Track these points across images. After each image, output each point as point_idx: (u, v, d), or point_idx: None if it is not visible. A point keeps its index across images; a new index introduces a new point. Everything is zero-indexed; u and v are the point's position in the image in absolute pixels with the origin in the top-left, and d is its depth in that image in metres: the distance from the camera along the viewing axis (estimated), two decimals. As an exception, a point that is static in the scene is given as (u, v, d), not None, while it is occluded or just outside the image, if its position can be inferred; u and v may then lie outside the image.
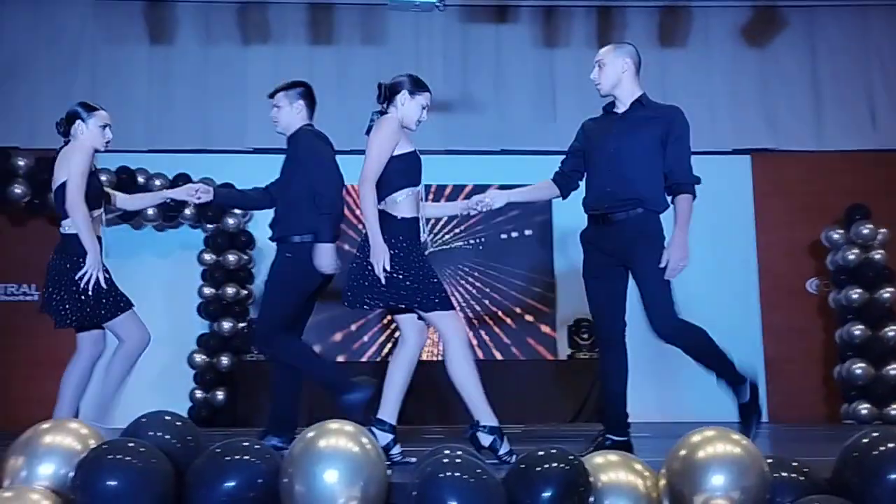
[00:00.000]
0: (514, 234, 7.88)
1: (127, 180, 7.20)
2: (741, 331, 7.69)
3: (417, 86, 3.51)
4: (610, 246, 3.56)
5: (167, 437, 2.10)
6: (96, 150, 3.90)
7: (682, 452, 1.99)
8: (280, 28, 7.93)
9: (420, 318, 3.49)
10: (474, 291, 7.76)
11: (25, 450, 2.04)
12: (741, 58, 8.04)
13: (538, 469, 1.97)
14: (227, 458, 2.03)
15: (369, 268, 3.30)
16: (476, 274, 7.79)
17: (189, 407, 7.14)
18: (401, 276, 3.31)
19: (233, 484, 2.00)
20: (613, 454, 2.11)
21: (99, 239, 3.84)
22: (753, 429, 3.54)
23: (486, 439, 3.39)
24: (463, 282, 7.77)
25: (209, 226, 7.40)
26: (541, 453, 2.03)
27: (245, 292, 7.41)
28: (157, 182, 7.21)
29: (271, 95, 4.03)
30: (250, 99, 7.63)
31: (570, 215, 7.91)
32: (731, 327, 7.68)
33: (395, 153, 3.38)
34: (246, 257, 7.44)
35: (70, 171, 3.71)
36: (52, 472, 2.00)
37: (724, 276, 7.73)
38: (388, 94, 3.48)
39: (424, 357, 7.63)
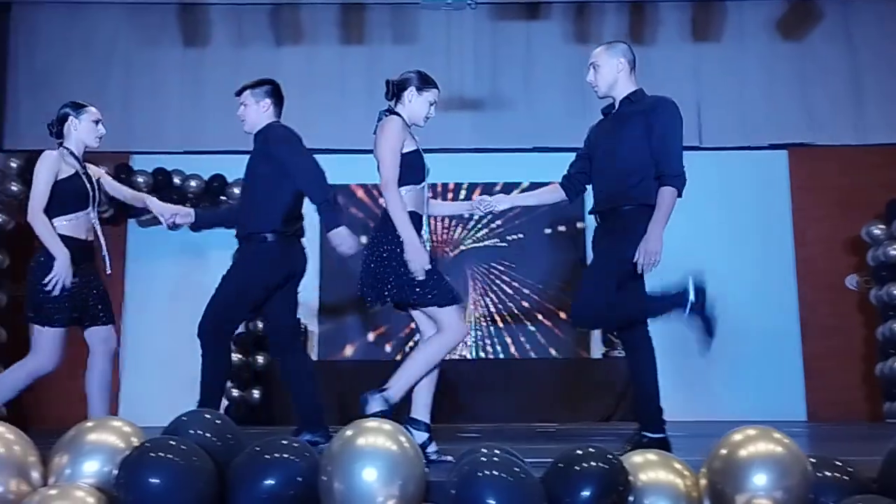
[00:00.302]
0: (546, 231, 7.85)
1: (163, 181, 7.29)
2: (779, 329, 7.61)
3: (425, 82, 3.50)
4: None
5: (208, 435, 2.12)
6: (87, 148, 3.94)
7: (724, 451, 1.96)
8: (312, 28, 7.98)
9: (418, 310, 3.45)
10: (508, 289, 7.75)
11: (70, 448, 2.07)
12: (776, 52, 7.94)
13: (577, 468, 1.96)
14: (267, 457, 2.05)
15: (380, 262, 3.31)
16: (510, 272, 7.77)
17: (226, 405, 7.21)
18: (402, 271, 3.30)
19: (272, 482, 2.01)
20: (652, 453, 2.09)
21: (87, 241, 3.88)
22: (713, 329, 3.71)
23: (374, 407, 3.28)
24: (497, 280, 7.76)
25: (244, 226, 7.48)
26: (579, 452, 2.02)
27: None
28: (193, 183, 7.29)
29: (238, 93, 4.02)
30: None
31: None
32: (769, 325, 7.63)
33: (402, 151, 3.39)
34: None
35: (35, 178, 3.76)
36: (95, 470, 2.03)
37: (761, 274, 7.64)
38: (395, 91, 3.48)
39: (449, 356, 7.66)
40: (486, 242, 7.84)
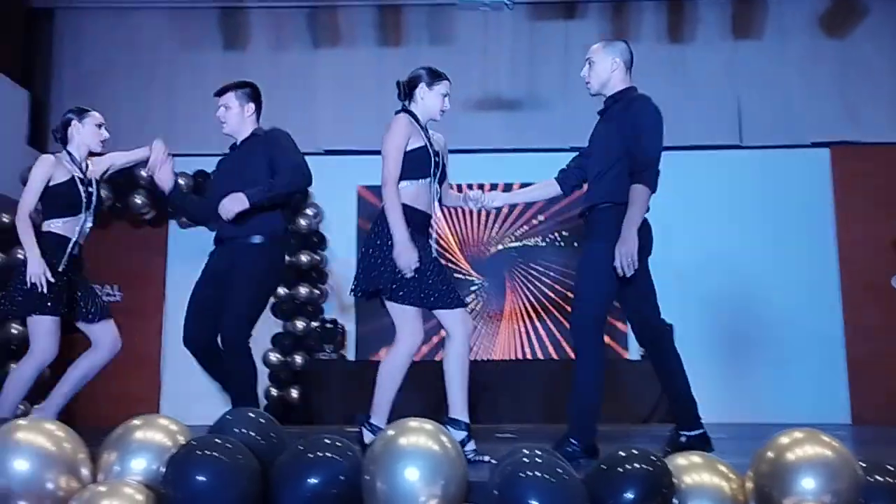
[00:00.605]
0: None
1: (203, 183, 7.39)
2: (823, 330, 7.47)
3: (434, 76, 3.52)
4: None
5: (252, 433, 2.14)
6: (91, 153, 4.06)
7: (770, 454, 1.93)
8: (349, 31, 8.03)
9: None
10: (544, 289, 7.71)
11: (118, 445, 2.11)
12: (819, 48, 7.79)
13: (620, 469, 1.95)
14: (310, 455, 2.07)
15: (371, 254, 3.35)
16: (547, 272, 7.74)
17: (264, 405, 7.29)
18: (389, 265, 3.32)
19: (316, 480, 2.03)
20: (697, 455, 2.07)
21: (72, 243, 3.95)
22: None
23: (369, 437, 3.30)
24: (533, 280, 7.73)
25: (282, 227, 7.55)
26: (622, 453, 2.00)
27: (318, 292, 7.52)
28: (232, 185, 7.37)
29: (219, 94, 4.01)
30: (320, 102, 7.76)
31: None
32: (812, 326, 7.50)
33: (407, 149, 3.40)
34: (318, 258, 7.55)
35: (29, 180, 3.90)
36: (143, 467, 2.06)
37: (804, 274, 7.52)
38: (407, 91, 3.51)
39: (487, 357, 7.65)
40: (525, 242, 7.81)
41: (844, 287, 7.59)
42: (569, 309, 7.57)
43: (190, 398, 7.60)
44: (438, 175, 3.52)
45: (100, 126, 4.08)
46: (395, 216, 3.31)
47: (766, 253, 7.54)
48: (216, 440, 2.01)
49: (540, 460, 1.95)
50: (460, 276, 7.77)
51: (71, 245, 3.97)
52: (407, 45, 7.95)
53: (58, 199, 3.89)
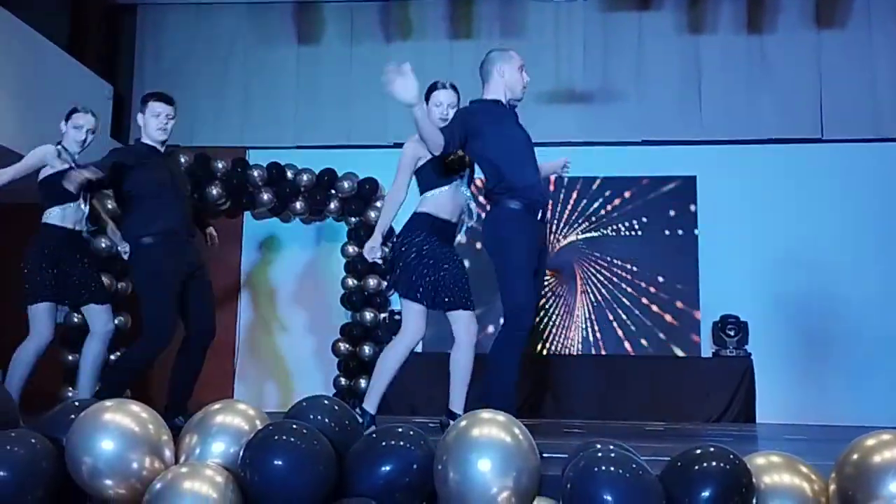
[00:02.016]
0: (655, 227, 7.68)
1: (277, 175, 7.52)
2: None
3: (429, 89, 3.83)
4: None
5: (326, 420, 2.17)
6: (65, 149, 4.34)
7: (855, 456, 1.87)
8: (421, 24, 8.06)
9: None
10: (615, 284, 7.62)
11: (198, 429, 2.17)
12: (906, 38, 7.50)
13: (697, 467, 1.91)
14: (384, 444, 2.09)
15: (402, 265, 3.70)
16: (619, 266, 7.64)
17: (333, 393, 7.40)
18: (399, 269, 3.74)
19: (389, 468, 2.05)
20: (777, 455, 2.02)
21: (75, 231, 4.36)
22: None
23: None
24: (599, 276, 7.64)
25: (352, 219, 7.62)
26: (699, 451, 1.96)
27: (386, 283, 7.59)
28: (305, 177, 7.49)
29: (171, 103, 4.26)
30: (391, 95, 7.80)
31: (713, 210, 7.63)
32: (892, 327, 7.21)
33: (420, 164, 3.74)
34: (387, 249, 7.61)
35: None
36: (222, 450, 2.11)
37: (885, 273, 7.27)
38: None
39: (560, 351, 7.59)
40: (593, 234, 7.72)
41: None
42: (643, 301, 7.44)
43: (262, 384, 7.80)
44: (467, 176, 3.80)
45: (76, 128, 4.38)
46: (383, 226, 3.79)
47: (846, 251, 7.29)
48: (293, 426, 2.05)
49: (614, 455, 1.93)
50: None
51: (67, 234, 4.32)
52: (478, 38, 7.93)
53: (58, 186, 4.11)
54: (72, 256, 4.33)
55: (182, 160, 7.49)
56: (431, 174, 3.72)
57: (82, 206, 4.33)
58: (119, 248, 4.49)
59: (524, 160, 3.59)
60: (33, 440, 2.10)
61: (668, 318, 7.51)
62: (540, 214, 3.55)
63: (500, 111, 3.63)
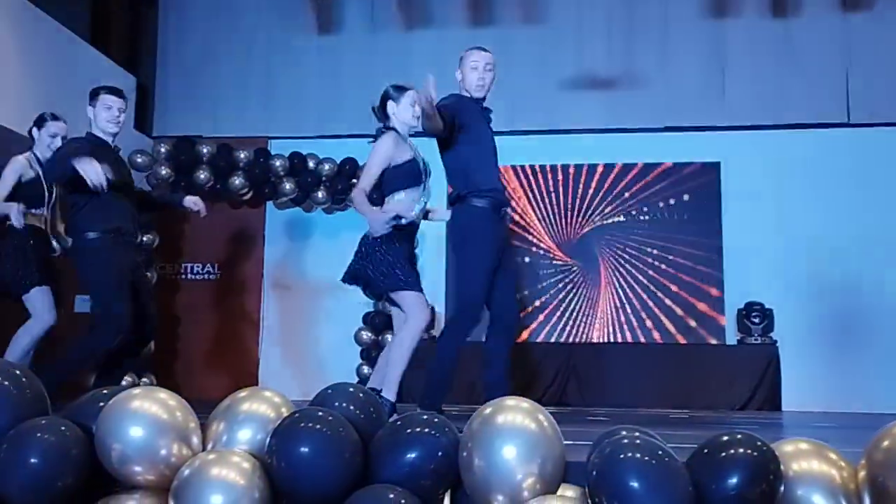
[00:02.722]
0: (679, 213, 7.62)
1: (299, 165, 7.55)
2: None
3: (398, 89, 3.87)
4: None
5: (352, 407, 2.17)
6: (36, 157, 4.49)
7: (886, 443, 1.84)
8: (441, 11, 8.03)
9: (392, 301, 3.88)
10: (635, 274, 7.58)
11: (225, 416, 2.18)
12: (938, 19, 7.37)
13: (724, 454, 1.89)
14: (409, 431, 2.09)
15: (360, 260, 3.80)
16: (637, 255, 7.60)
17: (356, 382, 7.43)
18: (373, 265, 3.78)
19: (414, 455, 2.05)
20: (805, 442, 1.99)
21: (43, 230, 4.48)
22: None
23: None
24: (623, 263, 7.60)
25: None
26: (726, 437, 1.94)
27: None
28: (326, 166, 7.51)
29: (122, 96, 4.25)
30: (414, 83, 7.76)
31: (738, 196, 7.55)
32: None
33: (396, 163, 3.76)
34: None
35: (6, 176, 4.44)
36: (249, 437, 2.12)
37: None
38: (381, 111, 3.88)
39: (572, 339, 7.55)
40: (617, 221, 7.68)
41: None
42: (667, 288, 7.40)
43: (286, 373, 7.85)
44: (426, 185, 3.88)
45: (52, 136, 4.49)
46: (361, 202, 3.73)
47: (873, 236, 7.20)
48: (319, 413, 2.05)
49: (640, 442, 1.91)
50: (550, 261, 7.71)
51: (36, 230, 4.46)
52: (499, 25, 7.89)
53: (28, 192, 4.39)
54: (40, 249, 4.47)
55: (205, 151, 7.55)
56: (396, 179, 3.79)
57: (45, 212, 4.50)
58: (59, 243, 4.58)
59: (491, 163, 3.78)
60: (63, 427, 2.13)
61: (692, 305, 7.46)
62: (503, 214, 3.72)
63: (478, 109, 3.87)
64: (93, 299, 4.10)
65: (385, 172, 3.81)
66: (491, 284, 3.69)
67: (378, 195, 3.86)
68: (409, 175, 3.78)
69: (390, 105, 3.85)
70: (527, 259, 7.73)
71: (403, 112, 3.83)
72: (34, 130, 4.54)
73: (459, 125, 3.71)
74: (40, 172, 4.41)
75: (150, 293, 4.39)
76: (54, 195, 4.50)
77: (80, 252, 4.10)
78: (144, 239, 7.24)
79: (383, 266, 3.73)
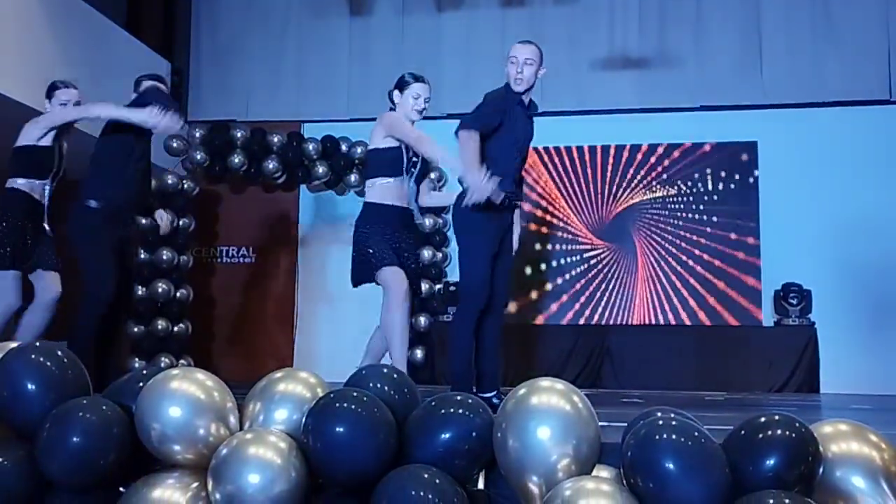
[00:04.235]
0: (715, 194, 7.52)
1: (331, 148, 7.57)
2: None
3: (405, 81, 3.88)
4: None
5: (386, 388, 2.19)
6: (53, 126, 4.32)
7: (928, 425, 1.82)
8: (473, -8, 7.97)
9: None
10: (671, 255, 7.50)
11: (262, 396, 2.21)
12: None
13: (761, 435, 1.87)
14: (443, 411, 2.10)
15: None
16: (673, 236, 7.52)
17: (389, 363, 7.46)
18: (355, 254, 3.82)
19: (448, 435, 2.06)
20: (844, 423, 1.97)
21: (40, 202, 4.34)
22: None
23: None
24: (659, 245, 7.53)
25: (407, 190, 7.65)
26: (763, 419, 1.93)
27: (440, 255, 7.61)
28: (359, 149, 7.52)
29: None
30: (445, 65, 7.74)
31: (775, 175, 7.42)
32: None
33: (382, 146, 3.77)
34: (441, 221, 7.63)
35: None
36: (285, 417, 2.15)
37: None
38: (390, 98, 3.89)
39: (612, 322, 7.49)
40: (652, 201, 7.59)
41: None
42: (703, 269, 7.30)
43: (321, 354, 7.91)
44: (416, 174, 3.86)
45: (64, 103, 4.40)
46: (429, 148, 3.70)
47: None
48: (353, 393, 2.07)
49: (676, 423, 1.90)
50: (583, 243, 7.66)
51: (34, 204, 4.32)
52: (531, 6, 7.82)
53: (37, 159, 4.27)
54: (34, 225, 4.33)
55: (238, 135, 7.60)
56: (379, 165, 3.81)
57: (48, 186, 4.37)
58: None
59: (509, 154, 3.71)
60: (104, 407, 2.17)
61: (729, 286, 7.38)
62: (504, 201, 3.66)
63: (516, 102, 3.78)
64: (80, 265, 4.15)
65: (370, 154, 3.87)
66: (493, 270, 3.69)
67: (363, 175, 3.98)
68: (392, 162, 3.79)
69: (395, 93, 3.88)
70: (557, 245, 7.68)
71: (405, 103, 3.85)
72: (46, 102, 4.46)
73: (494, 126, 3.68)
74: (55, 145, 4.35)
75: (132, 272, 4.46)
76: (61, 170, 4.43)
77: (76, 216, 4.18)
78: (180, 223, 7.33)
79: (358, 246, 3.80)
